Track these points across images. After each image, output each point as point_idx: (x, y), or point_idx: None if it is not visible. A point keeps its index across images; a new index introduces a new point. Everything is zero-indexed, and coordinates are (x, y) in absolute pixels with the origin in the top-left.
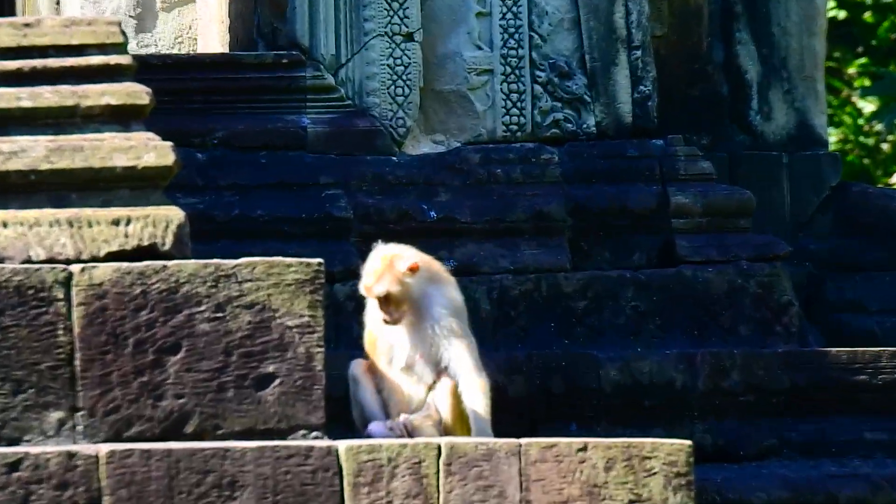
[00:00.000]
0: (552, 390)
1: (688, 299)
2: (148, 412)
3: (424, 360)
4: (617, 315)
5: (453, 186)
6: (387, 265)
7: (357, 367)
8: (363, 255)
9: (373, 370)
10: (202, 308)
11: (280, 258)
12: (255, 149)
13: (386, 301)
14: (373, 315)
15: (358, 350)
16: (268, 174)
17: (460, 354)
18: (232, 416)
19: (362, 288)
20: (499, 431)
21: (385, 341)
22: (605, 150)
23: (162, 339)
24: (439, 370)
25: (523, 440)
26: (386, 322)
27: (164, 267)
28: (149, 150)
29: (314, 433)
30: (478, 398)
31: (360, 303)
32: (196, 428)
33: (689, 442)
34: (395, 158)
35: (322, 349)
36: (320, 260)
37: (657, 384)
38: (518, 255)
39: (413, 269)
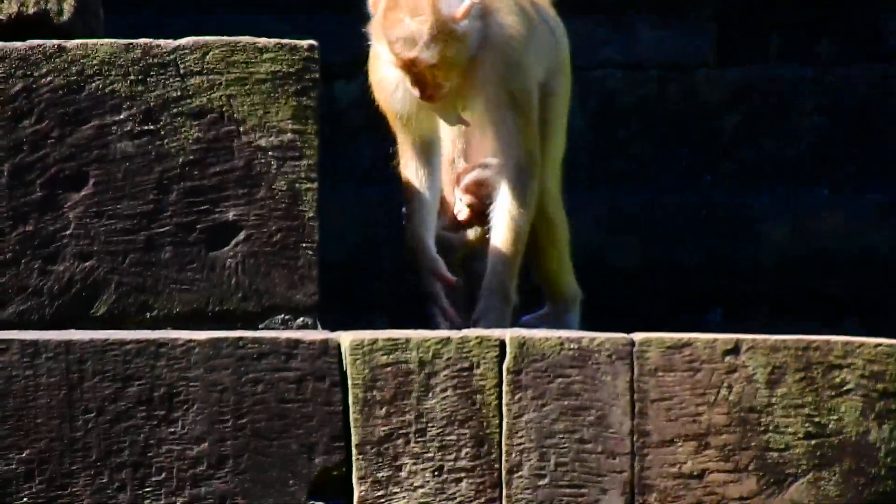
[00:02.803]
0: (682, 260)
1: None
2: (34, 281)
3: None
4: (790, 140)
5: None
6: (429, 13)
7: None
8: None
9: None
10: (121, 116)
11: (247, 38)
12: None
13: (430, 71)
14: (395, 91)
15: (372, 186)
16: None
17: (506, 142)
18: (168, 290)
19: (394, 56)
20: (596, 321)
21: (422, 128)
22: None
23: (56, 166)
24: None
25: (637, 335)
26: (424, 98)
27: (61, 49)
28: None
29: (301, 318)
30: (505, 225)
31: (374, 109)
32: (111, 307)
33: None
34: None
35: (315, 185)
36: (312, 42)
37: (849, 251)
38: (631, 40)
39: (467, 11)
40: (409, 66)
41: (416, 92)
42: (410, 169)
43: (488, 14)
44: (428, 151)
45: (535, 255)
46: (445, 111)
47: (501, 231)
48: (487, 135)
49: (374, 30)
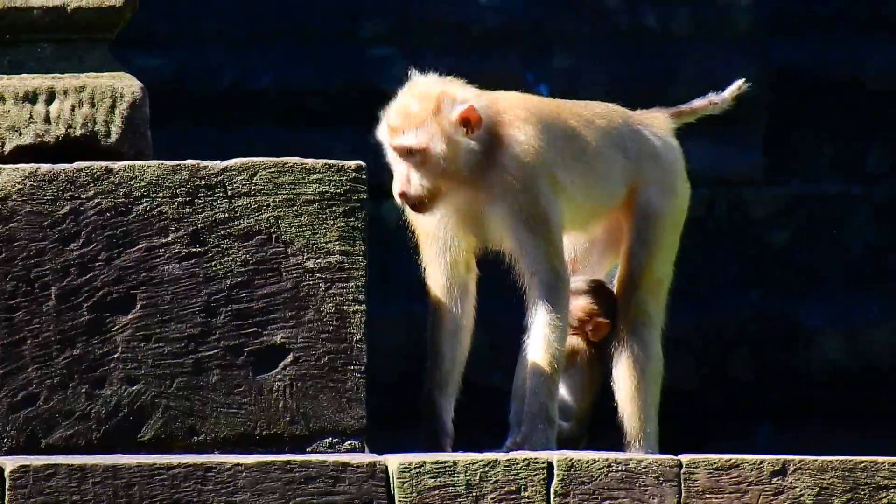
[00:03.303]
0: (731, 373)
1: None
2: (82, 405)
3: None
4: (839, 256)
5: (581, 40)
6: (430, 104)
7: None
8: None
9: None
10: (169, 239)
11: (296, 158)
12: None
13: (415, 163)
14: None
15: (420, 303)
16: (277, 19)
17: (528, 262)
18: (216, 414)
19: (382, 132)
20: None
21: (435, 240)
22: None
23: (104, 289)
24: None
25: (685, 456)
26: (411, 206)
27: (108, 171)
28: None
29: (349, 441)
30: (540, 346)
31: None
32: (158, 431)
33: None
34: None
35: (363, 307)
36: (360, 162)
37: None
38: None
39: (468, 121)
40: (390, 142)
41: (397, 186)
42: (436, 305)
43: (498, 129)
44: (458, 282)
45: (620, 387)
46: (465, 235)
47: (536, 352)
48: (510, 255)
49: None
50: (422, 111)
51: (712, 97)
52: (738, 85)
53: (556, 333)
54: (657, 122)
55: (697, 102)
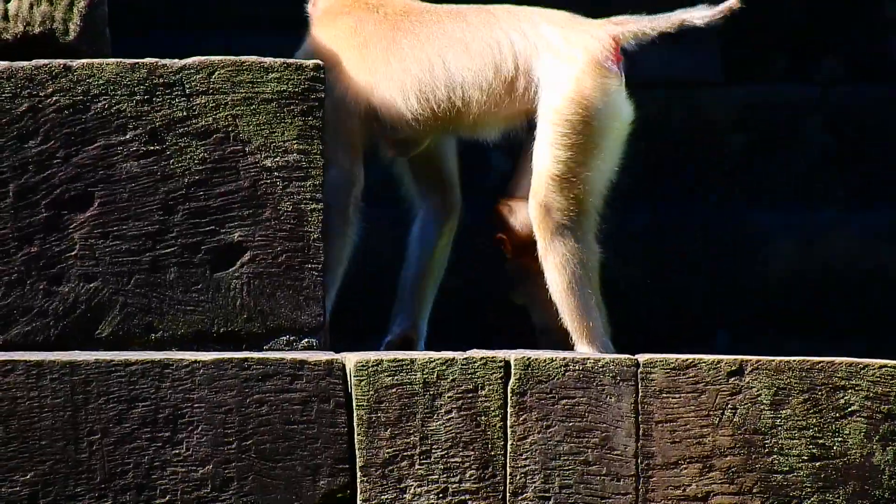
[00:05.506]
0: (688, 280)
1: None
2: (39, 302)
3: None
4: (795, 159)
5: None
6: None
7: None
8: None
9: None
10: (127, 136)
11: (254, 58)
12: None
13: None
14: None
15: (381, 207)
16: None
17: None
18: (173, 311)
19: None
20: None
21: None
22: None
23: (62, 186)
24: None
25: (642, 356)
26: None
27: (67, 68)
28: None
29: (306, 339)
30: None
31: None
32: (116, 328)
33: None
34: None
35: (320, 205)
36: (318, 62)
37: (857, 271)
38: (637, 58)
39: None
40: None
41: None
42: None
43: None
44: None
45: (553, 290)
46: None
47: None
48: None
49: None
50: None
51: (700, 11)
52: (731, 4)
53: None
54: (577, 25)
55: (679, 15)
